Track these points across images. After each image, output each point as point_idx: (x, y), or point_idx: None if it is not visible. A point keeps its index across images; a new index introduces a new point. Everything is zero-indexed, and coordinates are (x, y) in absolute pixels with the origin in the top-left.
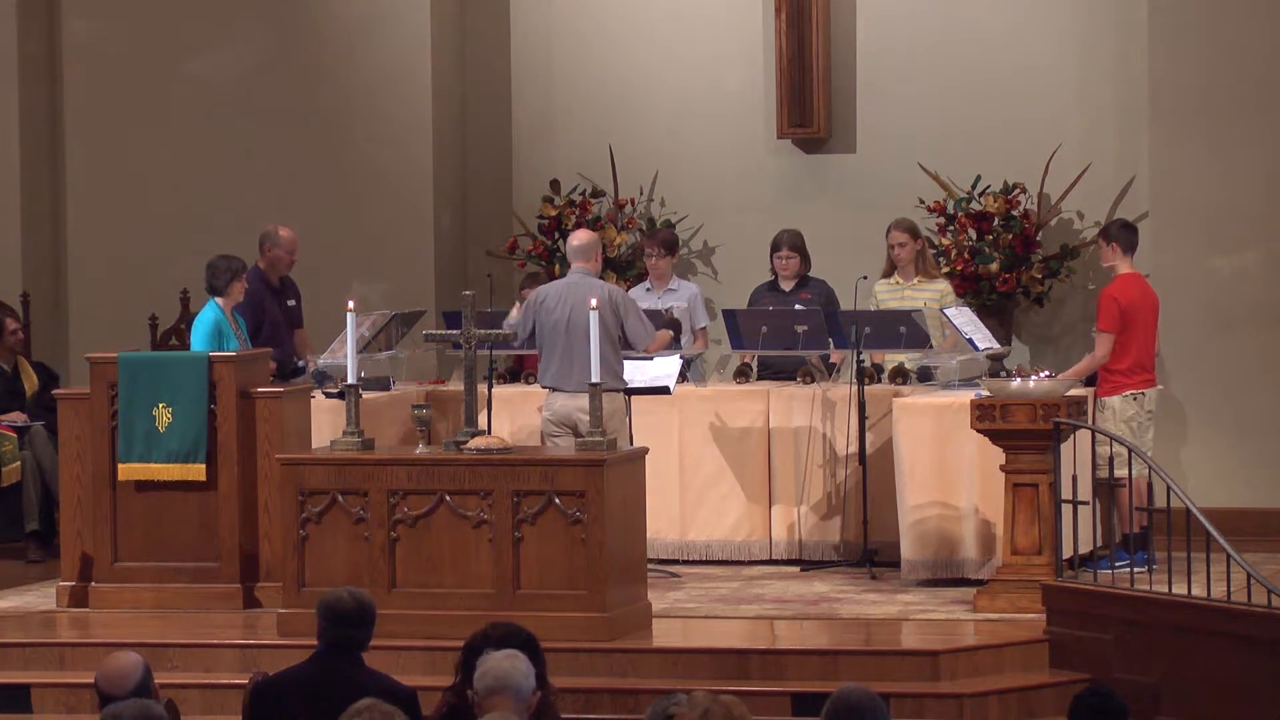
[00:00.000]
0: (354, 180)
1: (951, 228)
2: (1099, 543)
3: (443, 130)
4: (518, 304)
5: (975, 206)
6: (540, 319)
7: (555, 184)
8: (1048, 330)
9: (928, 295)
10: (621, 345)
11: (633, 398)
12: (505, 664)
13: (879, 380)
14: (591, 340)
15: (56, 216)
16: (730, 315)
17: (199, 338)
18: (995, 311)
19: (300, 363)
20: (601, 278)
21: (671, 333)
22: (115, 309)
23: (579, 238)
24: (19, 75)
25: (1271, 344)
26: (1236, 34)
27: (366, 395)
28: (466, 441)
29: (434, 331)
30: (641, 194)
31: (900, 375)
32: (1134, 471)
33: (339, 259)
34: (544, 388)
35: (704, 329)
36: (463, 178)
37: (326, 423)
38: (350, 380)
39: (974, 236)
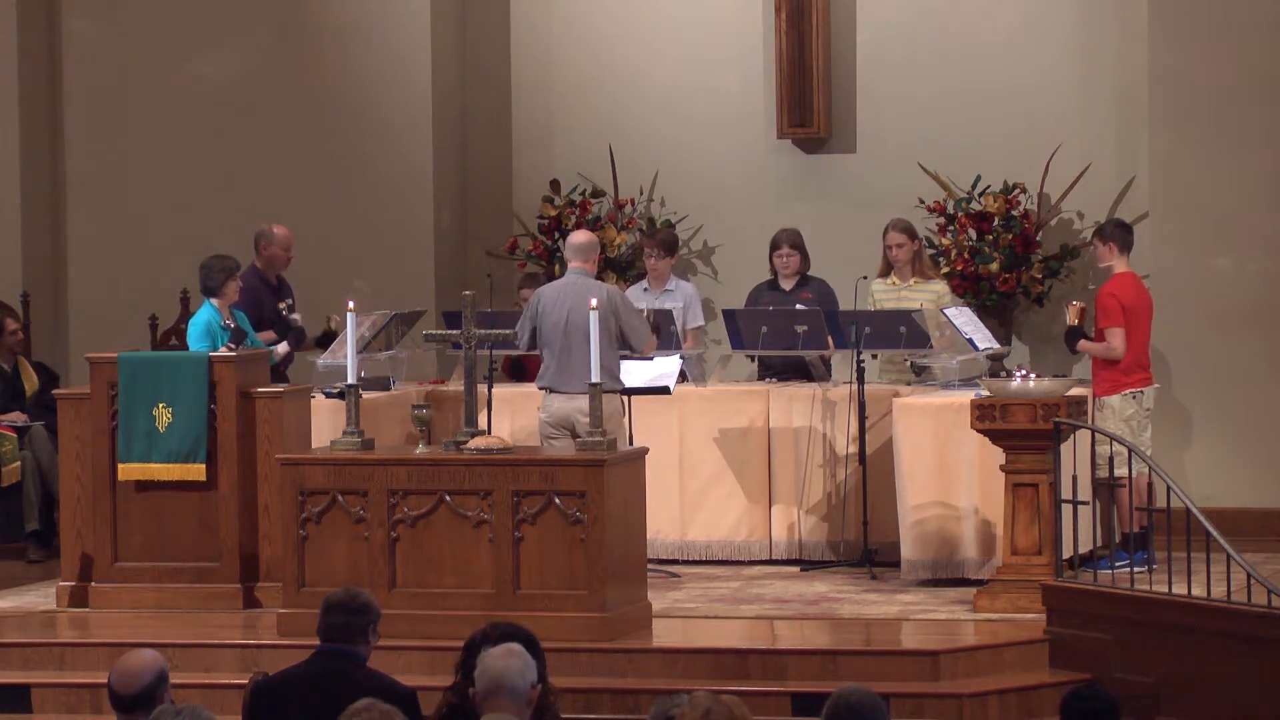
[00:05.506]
0: (354, 180)
1: (951, 228)
2: (1099, 543)
3: (443, 130)
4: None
5: (975, 206)
6: (539, 322)
7: (555, 184)
8: (1048, 330)
9: (925, 296)
10: (619, 345)
11: (633, 398)
12: (502, 662)
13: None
14: (592, 340)
15: (56, 216)
16: (730, 315)
17: (192, 339)
18: (995, 311)
19: (289, 314)
20: (600, 278)
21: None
22: (115, 309)
23: (579, 237)
24: (19, 75)
25: (1271, 344)
26: (1237, 33)
27: (366, 395)
28: (466, 441)
29: (434, 331)
30: (641, 194)
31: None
32: (1134, 471)
33: (339, 259)
34: (541, 389)
35: (697, 329)
36: (463, 178)
37: (326, 423)
38: (350, 380)
39: (974, 236)
